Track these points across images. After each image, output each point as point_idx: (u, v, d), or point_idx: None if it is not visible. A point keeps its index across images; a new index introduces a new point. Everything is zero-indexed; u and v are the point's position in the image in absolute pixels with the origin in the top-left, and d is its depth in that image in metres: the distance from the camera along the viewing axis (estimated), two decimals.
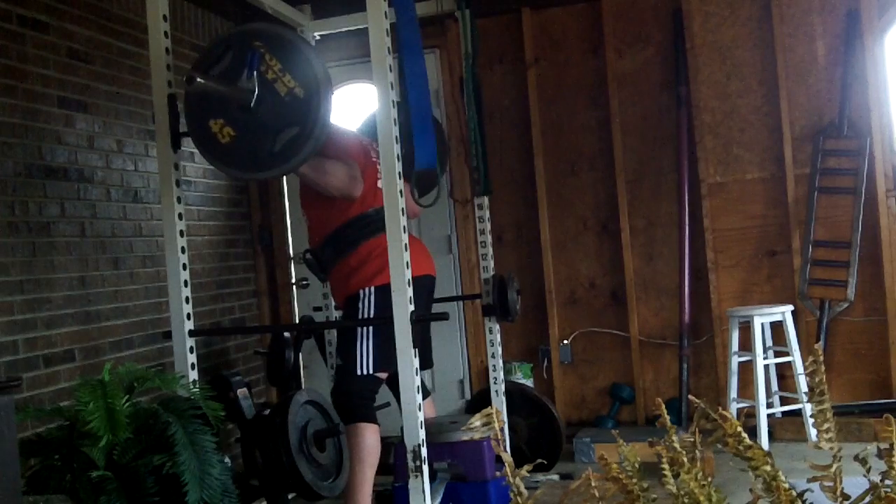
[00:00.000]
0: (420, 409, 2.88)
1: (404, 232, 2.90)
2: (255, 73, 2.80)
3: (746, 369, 4.71)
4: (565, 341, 5.19)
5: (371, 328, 3.36)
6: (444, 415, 4.44)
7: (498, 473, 1.64)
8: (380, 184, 3.16)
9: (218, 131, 2.85)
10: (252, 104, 2.81)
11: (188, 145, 3.31)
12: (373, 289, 3.41)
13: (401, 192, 2.89)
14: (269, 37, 2.84)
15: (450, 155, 4.37)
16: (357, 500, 3.30)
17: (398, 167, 2.90)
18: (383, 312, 3.10)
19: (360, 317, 3.42)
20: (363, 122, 4.09)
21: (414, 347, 2.86)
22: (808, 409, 4.48)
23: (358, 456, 3.29)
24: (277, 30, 2.88)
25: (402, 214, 2.89)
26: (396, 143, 2.90)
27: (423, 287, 3.51)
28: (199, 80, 2.72)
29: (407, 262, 2.89)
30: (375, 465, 3.36)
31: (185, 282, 3.10)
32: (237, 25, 3.00)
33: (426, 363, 3.63)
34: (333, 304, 4.34)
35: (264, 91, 2.80)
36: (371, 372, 3.37)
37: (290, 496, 3.44)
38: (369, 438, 3.32)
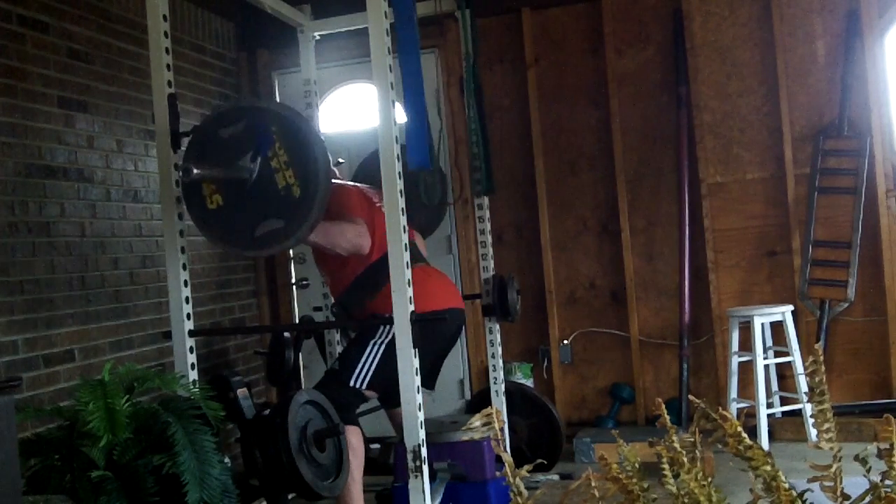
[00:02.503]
0: (420, 410, 2.88)
1: (404, 232, 2.90)
2: (260, 157, 2.79)
3: (746, 369, 4.71)
4: (565, 341, 5.19)
5: (381, 351, 3.34)
6: (444, 415, 4.44)
7: (498, 473, 1.64)
8: None
9: (208, 195, 2.85)
10: (247, 185, 2.80)
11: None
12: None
13: (401, 192, 2.89)
14: (286, 127, 2.82)
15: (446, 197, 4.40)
16: (349, 500, 3.30)
17: (398, 167, 2.90)
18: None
19: (378, 334, 3.38)
20: (359, 166, 4.11)
21: (414, 347, 2.86)
22: (808, 409, 4.48)
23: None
24: (297, 121, 2.85)
25: (403, 214, 2.89)
26: (396, 143, 2.90)
27: (452, 320, 3.52)
28: (195, 171, 2.72)
29: (407, 263, 2.89)
30: (362, 465, 3.36)
31: (185, 282, 3.10)
32: (260, 100, 3.03)
33: (430, 384, 3.62)
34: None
35: (263, 176, 2.79)
36: (363, 387, 3.35)
37: (290, 496, 3.44)
38: (353, 440, 3.31)
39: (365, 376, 3.35)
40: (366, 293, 3.45)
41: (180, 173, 2.76)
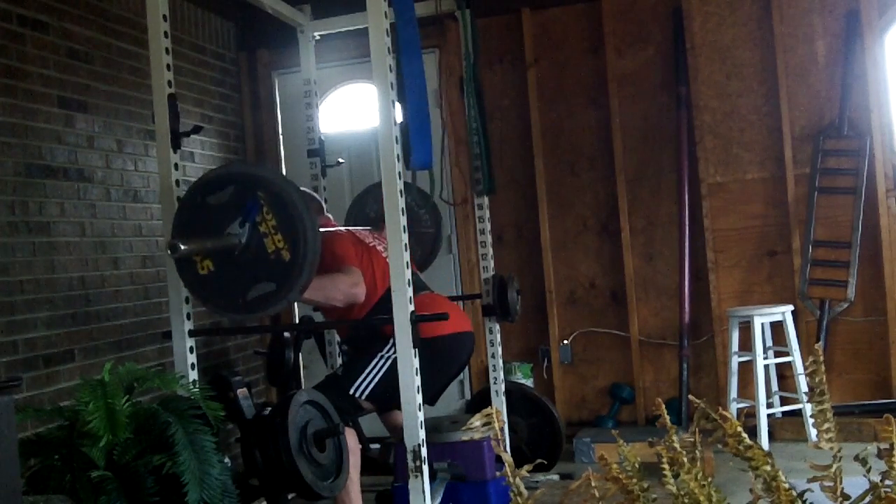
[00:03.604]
0: (420, 409, 2.89)
1: (404, 232, 2.90)
2: (248, 223, 2.81)
3: (746, 369, 4.71)
4: (565, 341, 5.19)
5: (386, 365, 3.35)
6: (444, 415, 4.44)
7: (498, 473, 1.64)
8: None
9: (199, 260, 2.86)
10: (237, 252, 2.82)
11: (188, 145, 3.31)
12: None
13: (401, 192, 2.90)
14: (274, 192, 2.83)
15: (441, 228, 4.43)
16: (347, 500, 3.30)
17: (398, 167, 2.90)
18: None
19: (386, 348, 3.38)
20: (352, 203, 4.23)
21: (414, 347, 2.86)
22: (808, 409, 4.48)
23: None
24: (284, 186, 2.86)
25: (403, 215, 2.90)
26: (396, 143, 2.90)
27: (459, 345, 3.55)
28: (182, 247, 2.73)
29: (407, 263, 2.89)
30: (358, 466, 3.36)
31: None
32: (246, 166, 3.07)
33: (433, 401, 3.64)
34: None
35: (252, 241, 2.80)
36: (362, 397, 3.37)
37: (290, 496, 3.44)
38: (349, 441, 3.32)
39: (366, 387, 3.36)
40: (372, 332, 3.46)
41: (168, 250, 2.78)
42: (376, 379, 3.36)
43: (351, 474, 3.28)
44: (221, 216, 2.84)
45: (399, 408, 2.97)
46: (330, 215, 3.98)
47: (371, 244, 3.55)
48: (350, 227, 3.77)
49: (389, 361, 3.32)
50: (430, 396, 3.48)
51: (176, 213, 2.97)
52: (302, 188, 3.15)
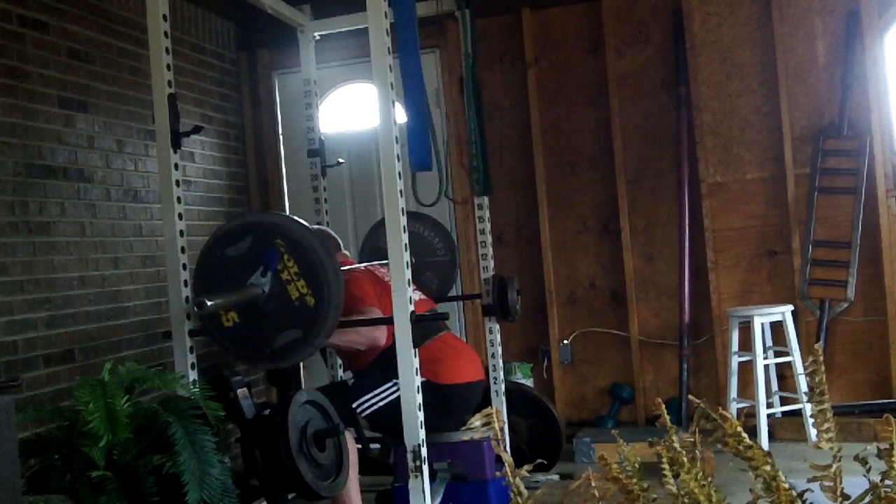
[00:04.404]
0: (420, 410, 2.88)
1: (404, 232, 2.90)
2: (270, 272, 2.82)
3: (746, 369, 4.71)
4: (565, 341, 5.19)
5: (396, 395, 3.34)
6: None
7: (498, 473, 1.64)
8: None
9: (224, 313, 2.87)
10: (261, 302, 2.83)
11: (188, 145, 3.31)
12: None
13: (401, 192, 2.90)
14: (293, 238, 2.84)
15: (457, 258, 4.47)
16: (347, 500, 3.30)
17: (398, 167, 2.90)
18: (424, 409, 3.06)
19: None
20: (365, 237, 4.27)
21: (414, 347, 2.86)
22: (808, 409, 4.48)
23: None
24: (302, 232, 2.88)
25: (402, 214, 2.90)
26: (396, 143, 2.90)
27: (469, 395, 3.60)
28: (209, 303, 2.73)
29: (407, 263, 2.90)
30: (356, 466, 3.37)
31: (185, 282, 3.10)
32: (262, 216, 3.12)
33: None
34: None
35: (275, 289, 2.82)
36: (362, 414, 3.42)
37: (290, 496, 3.44)
38: (348, 442, 3.32)
39: (368, 407, 3.39)
40: (391, 369, 3.46)
41: (195, 308, 2.78)
42: (381, 403, 3.39)
43: (350, 474, 3.28)
44: (242, 267, 2.85)
45: (394, 439, 2.97)
46: (347, 252, 3.98)
47: (388, 281, 3.53)
48: (367, 264, 3.77)
49: (392, 393, 3.35)
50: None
51: (196, 269, 2.98)
52: (317, 226, 3.14)
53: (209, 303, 2.74)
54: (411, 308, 2.89)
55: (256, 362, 3.01)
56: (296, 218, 3.02)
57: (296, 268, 2.82)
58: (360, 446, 3.41)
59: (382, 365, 3.41)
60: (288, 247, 2.83)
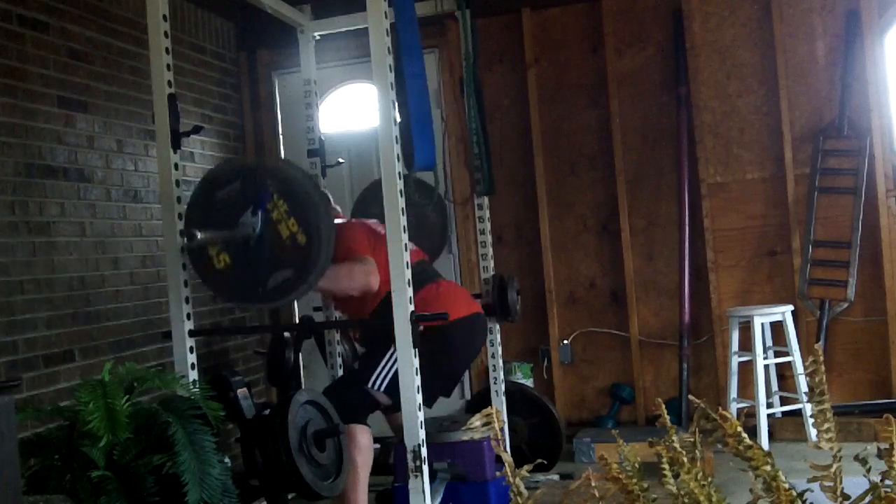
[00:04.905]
0: (420, 410, 2.89)
1: (404, 232, 2.90)
2: (260, 211, 2.82)
3: (746, 369, 4.71)
4: (565, 341, 5.19)
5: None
6: (444, 415, 4.44)
7: (498, 473, 1.64)
8: None
9: (215, 255, 2.88)
10: (252, 241, 2.83)
11: (188, 145, 3.31)
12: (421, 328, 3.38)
13: (401, 192, 2.90)
14: (282, 178, 2.85)
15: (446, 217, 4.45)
16: (353, 500, 3.30)
17: (398, 167, 2.90)
18: (429, 352, 3.09)
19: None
20: (361, 195, 4.19)
21: (414, 347, 2.86)
22: (808, 409, 4.48)
23: (351, 458, 3.29)
24: (291, 173, 2.89)
25: (402, 214, 2.90)
26: (396, 143, 2.90)
27: (473, 326, 3.58)
28: (198, 235, 2.74)
29: (407, 263, 2.89)
30: (370, 466, 3.36)
31: (185, 282, 3.10)
32: (250, 159, 3.12)
33: (449, 392, 3.65)
34: (334, 304, 4.34)
35: (266, 230, 2.83)
36: (381, 390, 3.36)
37: (290, 496, 3.44)
38: (362, 440, 3.31)
39: (383, 380, 3.36)
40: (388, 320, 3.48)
41: (184, 239, 2.79)
42: (392, 371, 3.35)
43: (360, 473, 3.29)
44: (232, 209, 2.85)
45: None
46: (338, 207, 3.97)
47: (383, 233, 3.52)
48: (362, 220, 3.76)
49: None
50: (453, 382, 3.49)
51: (186, 211, 2.98)
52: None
53: (199, 234, 2.75)
54: (411, 308, 2.89)
55: (250, 303, 3.01)
56: (285, 160, 3.04)
57: (286, 206, 2.82)
58: (374, 445, 3.41)
59: (383, 331, 3.43)
60: (277, 186, 2.83)
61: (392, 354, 3.35)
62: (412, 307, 2.89)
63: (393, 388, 3.33)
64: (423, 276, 3.30)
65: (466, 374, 5.19)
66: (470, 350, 3.66)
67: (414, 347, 2.87)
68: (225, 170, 3.02)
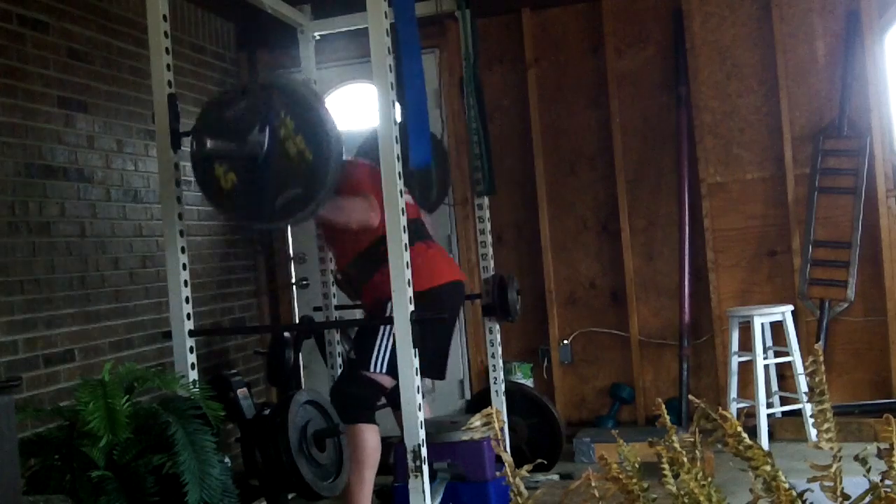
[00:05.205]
0: (420, 410, 2.88)
1: (404, 232, 2.90)
2: (268, 128, 2.79)
3: (746, 369, 4.71)
4: (565, 341, 5.19)
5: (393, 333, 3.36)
6: (444, 415, 4.44)
7: (498, 473, 1.64)
8: None
9: (221, 175, 2.84)
10: (260, 159, 2.80)
11: (188, 145, 3.30)
12: None
13: (401, 192, 2.90)
14: (288, 94, 2.82)
15: (448, 169, 4.39)
16: (357, 500, 3.30)
17: (398, 167, 2.90)
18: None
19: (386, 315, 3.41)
20: (363, 141, 4.10)
21: (414, 347, 2.86)
22: (808, 409, 4.48)
23: (358, 457, 3.29)
24: (298, 88, 2.86)
25: (403, 214, 2.89)
26: (396, 143, 2.90)
27: (452, 294, 3.55)
28: (209, 143, 2.72)
29: (407, 263, 2.89)
30: (376, 466, 3.36)
31: (185, 282, 3.10)
32: (261, 76, 3.03)
33: (441, 370, 3.64)
34: (334, 303, 4.34)
35: (273, 147, 2.79)
36: (383, 371, 3.36)
37: (290, 496, 3.44)
38: (370, 439, 3.32)
39: (382, 360, 3.36)
40: (374, 265, 3.47)
41: (193, 144, 2.74)
42: (389, 349, 3.35)
43: (367, 473, 3.28)
44: (240, 128, 2.81)
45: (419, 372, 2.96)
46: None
47: None
48: (364, 160, 3.75)
49: (392, 332, 3.34)
50: (442, 358, 3.49)
51: (195, 127, 2.94)
52: None
53: (209, 142, 2.72)
54: (411, 308, 2.89)
55: (258, 223, 2.96)
56: (291, 76, 3.00)
57: (293, 123, 2.78)
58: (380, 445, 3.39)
59: (374, 313, 3.41)
60: (284, 103, 2.80)
61: (384, 334, 3.36)
62: (412, 307, 2.89)
63: (392, 367, 3.34)
64: (412, 237, 3.26)
65: (466, 374, 5.19)
66: (453, 315, 3.63)
67: (414, 347, 2.87)
68: (231, 89, 2.98)
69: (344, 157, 3.35)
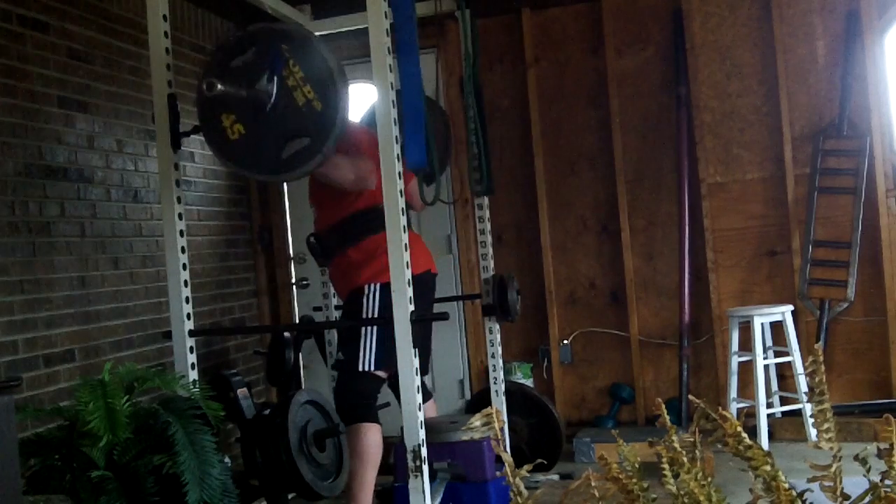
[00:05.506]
0: (420, 409, 2.88)
1: (404, 232, 2.90)
2: (276, 77, 2.77)
3: (746, 369, 4.71)
4: (565, 341, 5.20)
5: (374, 331, 3.36)
6: (444, 415, 4.44)
7: (498, 473, 1.64)
8: None
9: (228, 126, 2.82)
10: (268, 108, 2.79)
11: (188, 145, 3.31)
12: (379, 285, 3.41)
13: (401, 191, 2.89)
14: (297, 43, 2.79)
15: (453, 147, 4.37)
16: (358, 500, 3.30)
17: (398, 167, 2.90)
18: (388, 309, 3.10)
19: (364, 312, 3.42)
20: (366, 112, 4.09)
21: (414, 347, 2.86)
22: (808, 409, 4.48)
23: (359, 456, 3.29)
24: (306, 36, 2.83)
25: (402, 214, 2.89)
26: (396, 142, 2.90)
27: (425, 284, 3.51)
28: (219, 86, 2.70)
29: (407, 263, 2.89)
30: (377, 466, 3.36)
31: (185, 282, 3.10)
32: (266, 24, 2.96)
33: (423, 369, 3.62)
34: (333, 303, 4.34)
35: (281, 96, 2.77)
36: (372, 369, 3.37)
37: (290, 496, 3.44)
38: (371, 438, 3.32)
39: (370, 356, 3.36)
40: (349, 237, 3.49)
41: (204, 87, 2.73)
42: (373, 344, 3.35)
43: (368, 473, 3.28)
44: (247, 77, 2.79)
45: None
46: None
47: None
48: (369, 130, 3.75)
49: (374, 327, 3.36)
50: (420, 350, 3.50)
51: (203, 75, 2.92)
52: None
53: (219, 86, 2.70)
54: (412, 308, 2.88)
55: (265, 174, 2.93)
56: (299, 24, 2.97)
57: (302, 73, 2.75)
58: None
59: (355, 305, 3.42)
60: (293, 52, 2.77)
61: (364, 334, 3.37)
62: (412, 307, 2.89)
63: (381, 359, 3.35)
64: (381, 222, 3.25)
65: (466, 374, 5.19)
66: (428, 309, 3.61)
67: (414, 347, 2.87)
68: (239, 36, 2.96)
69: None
